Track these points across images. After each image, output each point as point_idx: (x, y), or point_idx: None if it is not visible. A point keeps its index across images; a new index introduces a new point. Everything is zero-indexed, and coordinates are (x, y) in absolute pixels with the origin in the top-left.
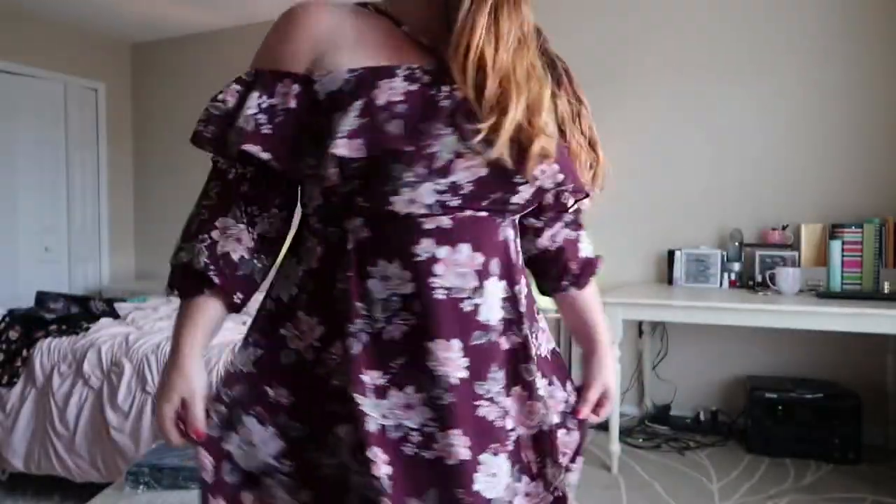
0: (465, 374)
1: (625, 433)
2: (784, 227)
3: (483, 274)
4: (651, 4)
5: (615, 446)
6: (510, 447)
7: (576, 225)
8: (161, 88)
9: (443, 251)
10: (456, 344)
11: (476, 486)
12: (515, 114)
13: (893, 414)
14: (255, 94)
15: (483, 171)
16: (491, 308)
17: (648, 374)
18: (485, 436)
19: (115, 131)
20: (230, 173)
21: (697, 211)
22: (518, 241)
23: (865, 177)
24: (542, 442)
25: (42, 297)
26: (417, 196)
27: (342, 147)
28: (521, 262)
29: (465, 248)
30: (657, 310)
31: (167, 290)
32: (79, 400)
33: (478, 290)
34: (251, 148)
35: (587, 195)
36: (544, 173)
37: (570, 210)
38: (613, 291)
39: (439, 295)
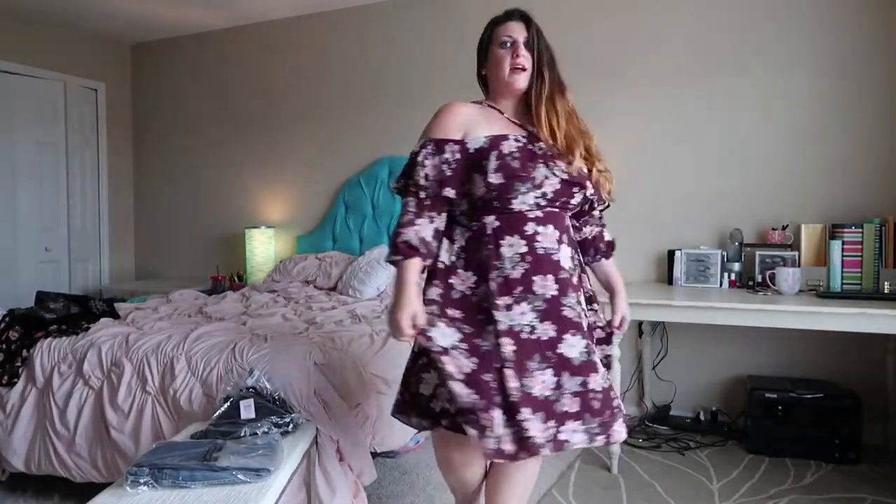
0: (555, 292)
1: None
2: (784, 227)
3: (559, 241)
4: (651, 7)
5: (615, 446)
6: (586, 332)
7: (600, 223)
8: (161, 88)
9: (540, 228)
10: (551, 277)
11: (560, 350)
12: (579, 153)
13: (893, 414)
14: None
15: (558, 186)
16: (565, 259)
17: (648, 374)
18: (566, 325)
19: (115, 131)
20: (421, 195)
21: (697, 211)
22: (573, 228)
23: (865, 177)
24: (591, 331)
25: (42, 297)
26: (526, 200)
27: (493, 176)
28: (574, 240)
29: (551, 228)
30: (657, 310)
31: (390, 255)
32: (79, 400)
33: (557, 250)
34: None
35: (607, 205)
36: (588, 189)
37: (598, 216)
38: None
39: (541, 251)
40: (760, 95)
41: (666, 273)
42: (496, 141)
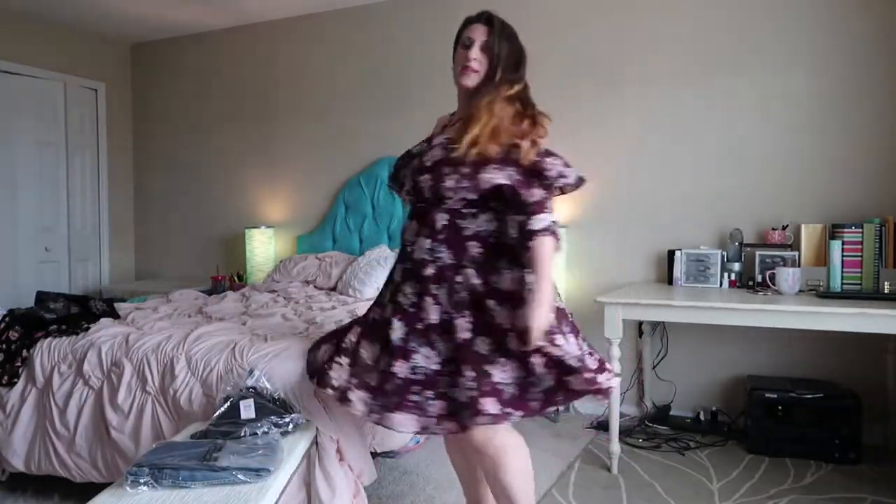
0: (399, 278)
1: (625, 433)
2: (784, 227)
3: (417, 234)
4: (650, 7)
5: (615, 446)
6: (417, 325)
7: (526, 212)
8: (161, 88)
9: (408, 223)
10: (399, 266)
11: (387, 330)
12: (468, 138)
13: (893, 414)
14: None
15: (411, 183)
16: (418, 251)
17: (648, 374)
18: (395, 310)
19: (115, 131)
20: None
21: (697, 211)
22: (460, 222)
23: (865, 177)
24: (444, 329)
25: (42, 297)
26: (405, 199)
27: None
28: (455, 234)
29: (414, 223)
30: (657, 310)
31: None
32: (79, 400)
33: (413, 242)
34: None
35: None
36: (429, 180)
37: (527, 203)
38: (613, 291)
39: (404, 243)
40: (759, 95)
41: (666, 273)
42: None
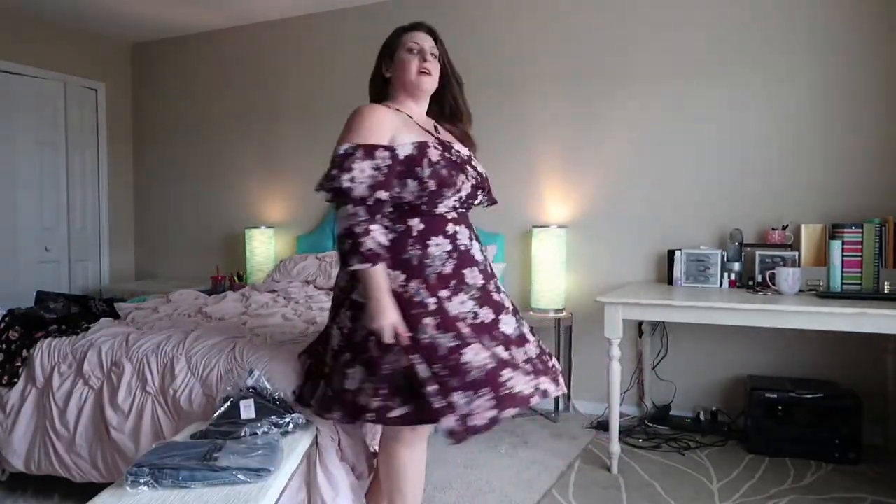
0: (482, 282)
1: (625, 433)
2: (784, 227)
3: (470, 238)
4: (650, 5)
5: (615, 446)
6: (511, 312)
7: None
8: (161, 88)
9: (458, 228)
10: (476, 269)
11: (501, 329)
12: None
13: (893, 414)
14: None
15: (469, 190)
16: (477, 252)
17: (648, 374)
18: (499, 309)
19: (115, 131)
20: (368, 202)
21: (697, 211)
22: None
23: (865, 177)
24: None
25: (42, 297)
26: (448, 204)
27: (429, 182)
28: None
29: (463, 226)
30: (657, 310)
31: (355, 263)
32: (79, 400)
33: (470, 245)
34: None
35: (495, 203)
36: (485, 190)
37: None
38: (613, 291)
39: (462, 247)
40: (760, 95)
41: (666, 273)
42: (423, 147)
